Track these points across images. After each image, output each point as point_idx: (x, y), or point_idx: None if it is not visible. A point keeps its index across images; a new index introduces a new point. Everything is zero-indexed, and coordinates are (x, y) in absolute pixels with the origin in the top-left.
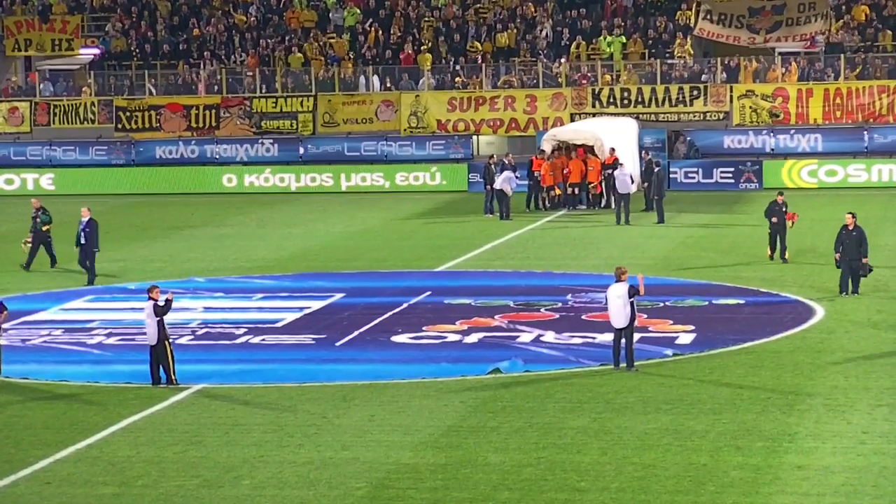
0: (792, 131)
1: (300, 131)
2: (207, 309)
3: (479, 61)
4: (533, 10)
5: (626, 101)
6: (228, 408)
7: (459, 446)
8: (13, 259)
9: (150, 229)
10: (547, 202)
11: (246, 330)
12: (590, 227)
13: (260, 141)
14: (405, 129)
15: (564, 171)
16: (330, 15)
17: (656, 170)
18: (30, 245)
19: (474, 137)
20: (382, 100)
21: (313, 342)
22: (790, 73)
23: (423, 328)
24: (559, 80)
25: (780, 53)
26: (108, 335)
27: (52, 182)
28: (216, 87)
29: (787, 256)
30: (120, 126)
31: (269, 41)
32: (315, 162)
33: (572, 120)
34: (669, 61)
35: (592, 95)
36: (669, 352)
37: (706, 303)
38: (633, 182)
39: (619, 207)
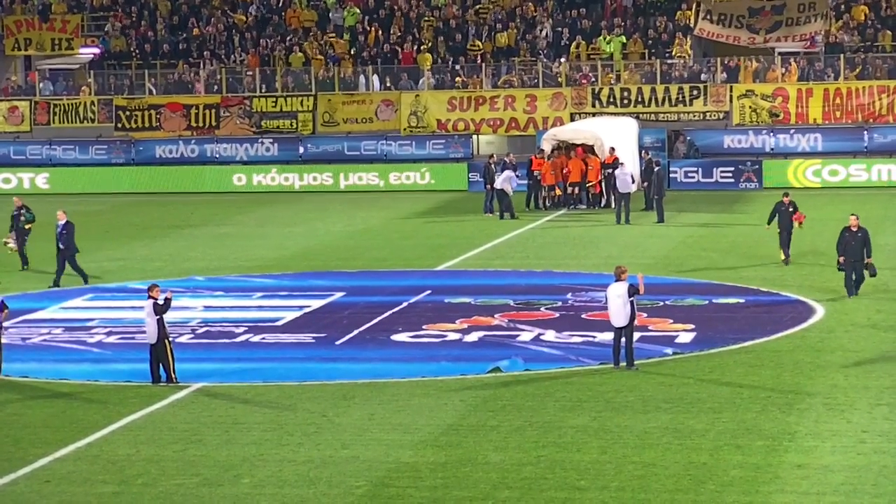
0: (792, 131)
1: (300, 131)
2: (207, 308)
3: (479, 61)
4: (533, 9)
5: (626, 101)
6: (228, 406)
7: (459, 445)
8: (12, 259)
9: (150, 228)
10: (548, 201)
11: (246, 329)
12: (590, 227)
13: (260, 140)
14: (405, 129)
15: (564, 171)
16: (330, 14)
17: (656, 169)
18: (8, 244)
19: (474, 137)
20: (382, 99)
21: (313, 341)
22: (790, 73)
23: (423, 327)
24: (559, 79)
25: (779, 53)
26: (108, 334)
27: (46, 181)
28: (216, 87)
29: (788, 256)
30: (120, 125)
31: (268, 41)
32: (315, 161)
33: (572, 119)
34: (669, 61)
35: (592, 95)
36: (669, 351)
37: (706, 302)
38: (633, 182)
39: (619, 207)
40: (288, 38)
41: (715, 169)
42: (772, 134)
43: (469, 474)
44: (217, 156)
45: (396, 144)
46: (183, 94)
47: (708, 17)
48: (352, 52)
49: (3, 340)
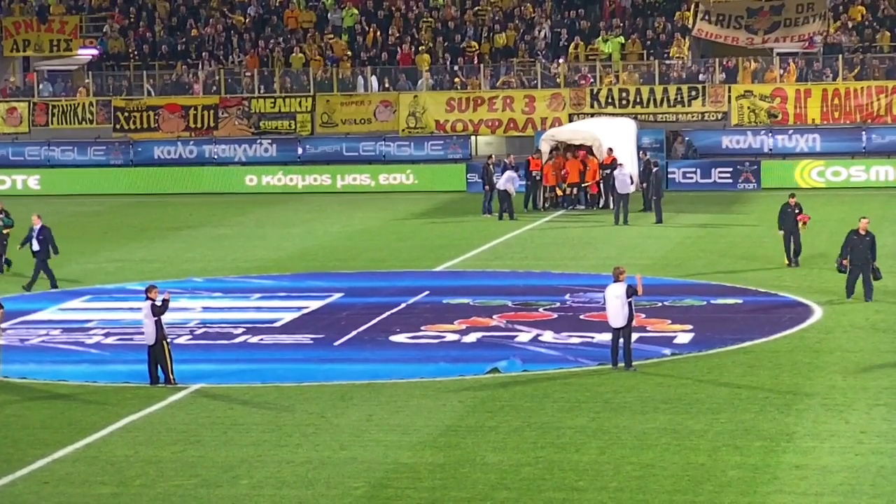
0: (790, 132)
1: (298, 132)
2: (206, 309)
3: (478, 62)
4: (531, 10)
5: (624, 102)
6: (227, 407)
7: (458, 446)
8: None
9: (149, 229)
10: (548, 202)
11: (244, 330)
12: (588, 228)
13: (258, 141)
14: (403, 130)
15: (562, 172)
16: (328, 15)
17: (654, 170)
18: None
19: (473, 138)
20: (381, 100)
21: (311, 342)
22: (788, 74)
23: (422, 328)
24: (558, 80)
25: (778, 54)
26: (107, 335)
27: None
28: (214, 88)
29: (799, 260)
30: (118, 126)
31: (267, 41)
32: (313, 162)
33: (571, 120)
34: (668, 62)
35: (591, 96)
36: (668, 351)
37: (704, 302)
38: (632, 182)
39: (617, 207)
40: (285, 40)
41: (713, 169)
42: (770, 134)
43: (467, 475)
44: (215, 157)
45: (395, 145)
46: (181, 95)
47: (706, 17)
48: (350, 53)
49: (2, 342)
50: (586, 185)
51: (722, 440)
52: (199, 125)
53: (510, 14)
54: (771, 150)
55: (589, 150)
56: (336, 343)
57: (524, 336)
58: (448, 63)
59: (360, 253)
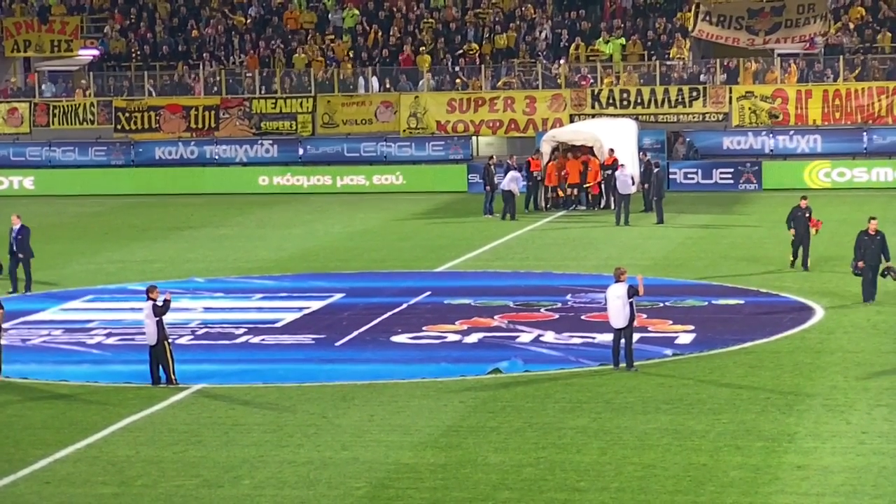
0: (791, 132)
1: (299, 132)
2: (207, 309)
3: (479, 62)
4: (532, 11)
5: (625, 103)
6: (228, 408)
7: (459, 446)
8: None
9: (150, 230)
10: (549, 202)
11: (245, 330)
12: (589, 228)
13: (259, 142)
14: (404, 130)
15: (563, 173)
16: (329, 16)
17: (656, 170)
18: None
19: (474, 138)
20: (382, 101)
21: (313, 342)
22: (789, 75)
23: (423, 328)
24: (558, 81)
25: (779, 55)
26: (108, 335)
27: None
28: (215, 88)
29: (808, 265)
30: (119, 127)
31: (268, 42)
32: (314, 163)
33: (572, 121)
34: (668, 62)
35: (592, 96)
36: (669, 352)
37: (706, 303)
38: (633, 183)
39: (618, 208)
40: (287, 40)
41: (714, 170)
42: (771, 135)
43: (469, 475)
44: (216, 157)
45: (396, 146)
46: (182, 95)
47: (707, 18)
48: (351, 54)
49: (3, 342)
50: (588, 185)
51: (723, 441)
52: (200, 126)
53: (511, 15)
54: (772, 150)
55: (590, 150)
56: (337, 343)
57: (525, 336)
58: (449, 64)
59: (362, 253)
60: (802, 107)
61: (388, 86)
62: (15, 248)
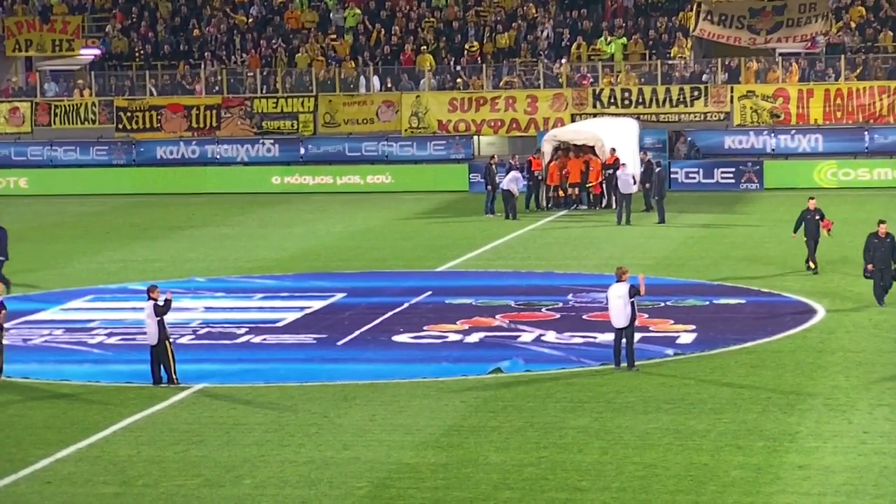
0: (793, 132)
1: (301, 132)
2: (208, 309)
3: (480, 62)
4: (534, 10)
5: (626, 102)
6: (229, 407)
7: (460, 446)
8: (13, 260)
9: (151, 229)
10: (551, 202)
11: (247, 330)
12: (591, 228)
13: (261, 141)
14: (406, 130)
15: (564, 172)
16: (331, 15)
17: (657, 170)
18: None
19: (475, 138)
20: (383, 100)
21: (314, 342)
22: (791, 74)
23: (424, 328)
24: (560, 80)
25: (780, 54)
26: (109, 335)
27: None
28: (217, 88)
29: (816, 267)
30: (121, 126)
31: (269, 41)
32: (316, 162)
33: (573, 120)
34: (670, 62)
35: (593, 96)
36: (670, 351)
37: (707, 302)
38: (634, 182)
39: (620, 208)
40: (289, 40)
41: (716, 170)
42: (773, 135)
43: (470, 475)
44: (218, 157)
45: (398, 145)
46: (184, 95)
47: (709, 17)
48: (352, 53)
49: (5, 342)
50: (589, 185)
51: (725, 440)
52: (201, 125)
53: (513, 14)
54: (773, 150)
55: (591, 150)
56: (339, 343)
57: (527, 336)
58: (451, 63)
59: (363, 253)
60: (804, 106)
61: (389, 85)
62: None
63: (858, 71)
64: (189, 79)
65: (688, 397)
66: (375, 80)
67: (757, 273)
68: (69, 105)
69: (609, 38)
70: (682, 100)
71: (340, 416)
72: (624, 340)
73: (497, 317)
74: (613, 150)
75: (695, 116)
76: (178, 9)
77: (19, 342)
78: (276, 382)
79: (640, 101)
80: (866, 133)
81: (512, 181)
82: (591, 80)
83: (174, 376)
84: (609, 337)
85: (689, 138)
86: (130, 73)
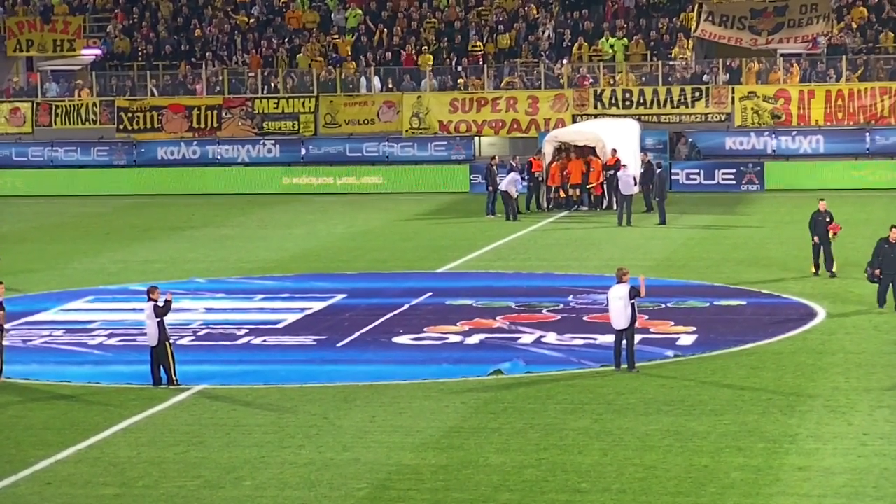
0: (794, 133)
1: (302, 132)
2: (208, 310)
3: (481, 62)
4: (535, 11)
5: (627, 103)
6: (229, 408)
7: (461, 447)
8: (13, 260)
9: (151, 230)
10: (552, 203)
11: (247, 331)
12: (591, 229)
13: (262, 142)
14: (407, 130)
15: (565, 173)
16: (332, 16)
17: (658, 171)
18: None
19: (476, 138)
20: (384, 101)
21: (314, 343)
22: (792, 75)
23: (425, 329)
24: (561, 81)
25: (781, 55)
26: (109, 336)
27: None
28: (218, 88)
29: (834, 269)
30: (121, 127)
31: (271, 42)
32: (317, 163)
33: (574, 121)
34: (671, 62)
35: (594, 97)
36: (671, 353)
37: (707, 304)
38: (635, 183)
39: (621, 209)
40: (289, 40)
41: (717, 170)
42: (774, 136)
43: (470, 476)
44: (219, 157)
45: (399, 146)
46: (185, 95)
47: (710, 18)
48: (353, 54)
49: (5, 343)
50: (590, 186)
51: (725, 442)
52: (202, 125)
53: (514, 15)
54: (774, 151)
55: (592, 151)
56: (339, 344)
57: (527, 337)
58: (452, 64)
59: (363, 254)
60: (805, 107)
61: (390, 86)
62: None
63: (860, 72)
64: (190, 79)
65: (688, 399)
66: (376, 81)
67: (758, 274)
68: (70, 105)
69: (610, 39)
70: (683, 101)
71: (340, 418)
72: (624, 342)
73: (497, 318)
74: (614, 150)
75: (696, 117)
76: (180, 9)
77: (19, 343)
78: (276, 384)
79: (641, 101)
80: (867, 134)
81: (510, 183)
82: (592, 80)
83: (174, 377)
84: (609, 338)
85: (690, 139)
86: (131, 74)
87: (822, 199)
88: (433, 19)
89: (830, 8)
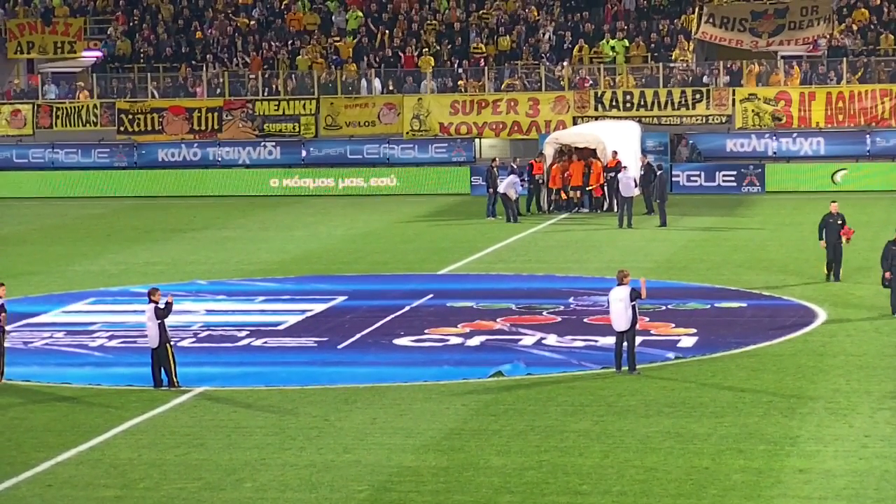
0: (794, 135)
1: (302, 134)
2: (209, 311)
3: (482, 64)
4: (535, 13)
5: (628, 105)
6: (230, 410)
7: (461, 449)
8: (13, 261)
9: (152, 232)
10: (552, 205)
11: (248, 332)
12: (592, 231)
13: (262, 144)
14: (408, 132)
15: (565, 175)
16: (332, 18)
17: (659, 173)
18: None
19: (477, 140)
20: (385, 103)
21: (315, 345)
22: (792, 77)
23: (425, 331)
24: (562, 83)
25: (782, 57)
26: (110, 338)
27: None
28: (218, 90)
29: (840, 275)
30: (122, 129)
31: (272, 43)
32: (317, 165)
33: (575, 123)
34: (672, 65)
35: (595, 99)
36: (671, 355)
37: (708, 306)
38: (636, 185)
39: (621, 211)
40: (290, 42)
41: (717, 172)
42: (774, 137)
43: (471, 479)
44: (219, 159)
45: (399, 148)
46: (185, 97)
47: (710, 20)
48: (353, 56)
49: (6, 344)
50: (591, 188)
51: (726, 444)
52: (203, 127)
53: (514, 17)
54: (775, 153)
55: (593, 153)
56: (340, 346)
57: (528, 339)
58: (452, 66)
59: (364, 256)
60: (805, 109)
61: (391, 88)
62: None
63: (860, 74)
64: (191, 81)
65: (689, 401)
66: (377, 83)
67: (758, 276)
68: (71, 107)
69: (611, 41)
70: (683, 103)
71: (341, 420)
72: (625, 344)
73: (498, 320)
74: (615, 152)
75: (696, 119)
76: (180, 11)
77: (20, 345)
78: (276, 386)
79: (642, 103)
80: (868, 136)
81: (510, 185)
82: (593, 82)
83: (175, 379)
84: (610, 340)
85: (690, 141)
86: (132, 76)
87: (833, 202)
88: (434, 21)
89: (831, 10)
